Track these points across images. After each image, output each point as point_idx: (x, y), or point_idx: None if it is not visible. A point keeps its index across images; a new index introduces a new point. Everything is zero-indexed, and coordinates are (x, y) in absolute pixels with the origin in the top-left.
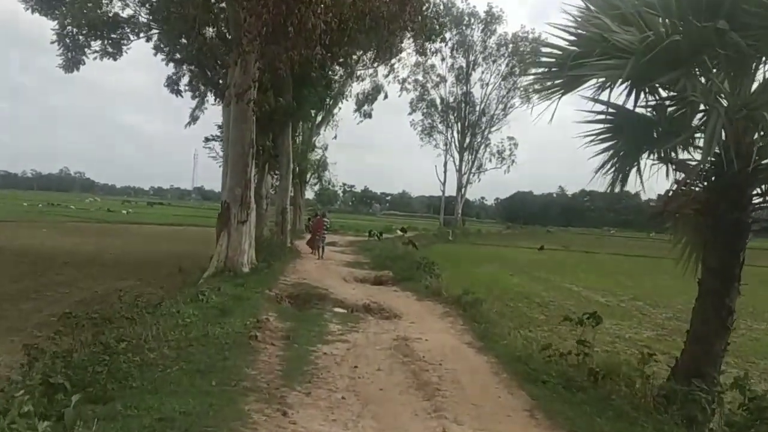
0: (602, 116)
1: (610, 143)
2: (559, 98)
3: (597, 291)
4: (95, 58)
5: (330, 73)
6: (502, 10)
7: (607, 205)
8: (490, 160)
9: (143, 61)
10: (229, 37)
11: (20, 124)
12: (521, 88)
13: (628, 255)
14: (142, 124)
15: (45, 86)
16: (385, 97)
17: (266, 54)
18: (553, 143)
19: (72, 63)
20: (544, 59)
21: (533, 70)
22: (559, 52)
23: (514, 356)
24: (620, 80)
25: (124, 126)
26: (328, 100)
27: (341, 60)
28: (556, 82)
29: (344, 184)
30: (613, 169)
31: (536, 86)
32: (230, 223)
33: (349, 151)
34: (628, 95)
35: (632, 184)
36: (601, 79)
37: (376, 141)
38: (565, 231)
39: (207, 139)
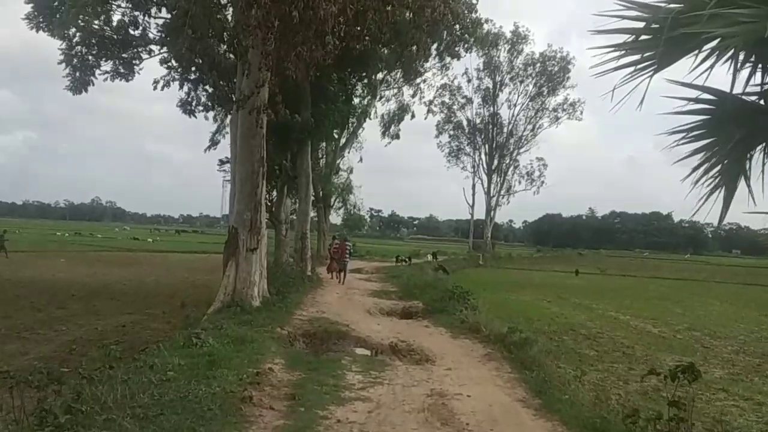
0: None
1: (707, 141)
2: (651, 77)
3: (646, 320)
4: (105, 79)
5: (350, 87)
6: (529, 30)
7: (639, 227)
8: (519, 182)
9: (173, 90)
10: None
11: (52, 154)
12: (550, 108)
13: (667, 278)
14: (172, 153)
15: (76, 117)
16: (412, 116)
17: (272, 53)
18: (582, 164)
19: (80, 84)
20: (627, 25)
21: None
22: (645, 16)
23: (585, 422)
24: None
25: (155, 155)
26: (351, 120)
27: (362, 73)
28: (646, 54)
29: (371, 209)
30: (711, 180)
31: (619, 61)
32: (238, 252)
33: (376, 175)
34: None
35: (665, 205)
36: (712, 46)
37: (403, 165)
38: (596, 253)
39: (222, 162)
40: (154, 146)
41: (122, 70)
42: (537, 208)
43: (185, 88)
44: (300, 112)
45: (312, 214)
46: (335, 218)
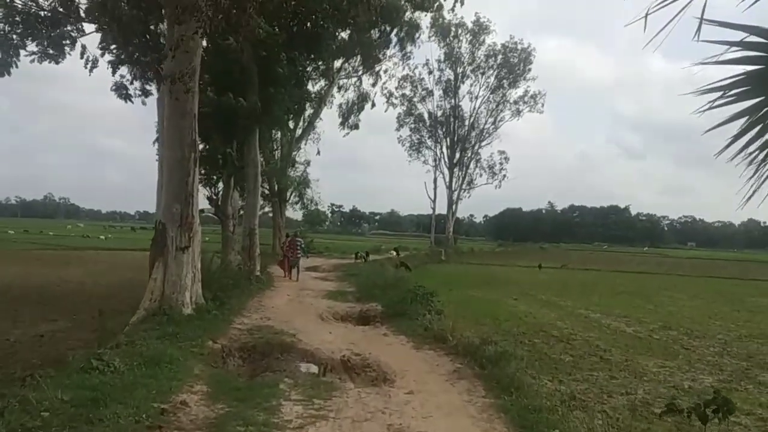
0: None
1: (753, 102)
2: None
3: (617, 318)
4: (32, 61)
5: (301, 70)
6: (491, 21)
7: (597, 220)
8: (481, 175)
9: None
10: None
11: (1, 149)
12: (511, 101)
13: (629, 272)
14: (126, 148)
15: (22, 112)
16: (372, 105)
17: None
18: (538, 158)
19: (2, 66)
20: None
21: None
22: None
23: None
24: None
25: (108, 150)
26: (306, 109)
27: (314, 55)
28: None
29: (332, 204)
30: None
31: None
32: (167, 251)
33: (337, 170)
34: None
35: (621, 198)
36: None
37: (364, 159)
38: (557, 247)
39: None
40: (107, 141)
41: (51, 51)
42: (498, 203)
43: (120, 71)
44: (246, 95)
45: (267, 209)
46: (294, 214)
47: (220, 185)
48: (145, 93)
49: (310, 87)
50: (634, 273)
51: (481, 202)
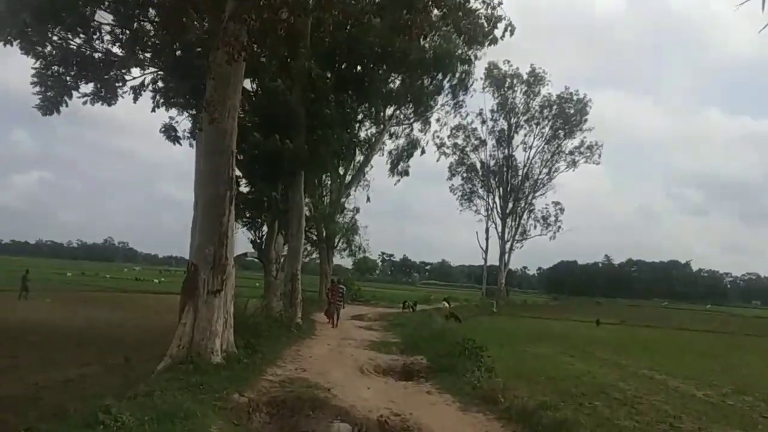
0: None
1: None
2: None
3: (685, 380)
4: (85, 102)
5: (350, 112)
6: (546, 71)
7: (656, 276)
8: (535, 227)
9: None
10: None
11: (66, 194)
12: (566, 151)
13: (693, 330)
14: (184, 195)
15: (88, 157)
16: (422, 152)
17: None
18: (594, 211)
19: (51, 104)
20: None
21: None
22: None
23: None
24: None
25: (167, 197)
26: (356, 154)
27: (363, 97)
28: None
29: (383, 253)
30: None
31: None
32: (198, 294)
33: (388, 219)
34: None
35: (681, 253)
36: None
37: (415, 209)
38: (614, 302)
39: None
40: (166, 187)
41: (104, 93)
42: (552, 255)
43: (170, 112)
44: (293, 138)
45: (315, 255)
46: (344, 261)
47: (264, 229)
48: (193, 135)
49: (360, 133)
50: (698, 332)
51: (535, 255)
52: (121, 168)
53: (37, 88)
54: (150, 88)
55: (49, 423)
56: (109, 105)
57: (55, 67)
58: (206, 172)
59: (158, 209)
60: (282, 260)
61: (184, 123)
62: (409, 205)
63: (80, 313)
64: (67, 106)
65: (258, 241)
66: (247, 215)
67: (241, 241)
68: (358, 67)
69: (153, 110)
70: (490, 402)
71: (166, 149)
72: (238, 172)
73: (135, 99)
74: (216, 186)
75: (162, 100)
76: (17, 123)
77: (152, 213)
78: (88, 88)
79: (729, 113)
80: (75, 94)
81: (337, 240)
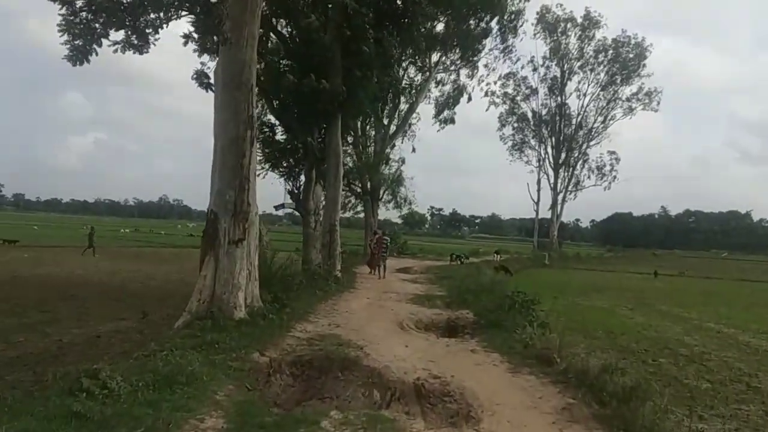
0: None
1: None
2: None
3: (756, 334)
4: (116, 51)
5: (390, 50)
6: (601, 15)
7: (715, 227)
8: (589, 177)
9: None
10: None
11: (121, 154)
12: (623, 98)
13: (757, 281)
14: None
15: (141, 118)
16: (469, 99)
17: None
18: (648, 162)
19: (81, 53)
20: None
21: None
22: None
23: None
24: None
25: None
26: (402, 104)
27: (405, 35)
28: None
29: (432, 207)
30: None
31: None
32: (218, 244)
33: (437, 173)
34: None
35: (745, 203)
36: None
37: (464, 163)
38: (671, 254)
39: None
40: None
41: (135, 41)
42: (604, 207)
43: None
44: (328, 78)
45: (360, 208)
46: (391, 215)
47: (302, 178)
48: None
49: (403, 78)
50: (762, 282)
51: (587, 207)
52: (173, 126)
53: (65, 37)
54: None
55: (36, 387)
56: (141, 53)
57: (83, 14)
58: (224, 110)
59: (207, 168)
60: (321, 211)
61: None
62: (458, 159)
63: (126, 268)
64: (96, 54)
65: (296, 191)
66: (284, 165)
67: (279, 192)
68: (398, 2)
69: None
70: (544, 362)
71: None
72: (273, 119)
73: (185, 43)
74: (236, 125)
75: (195, 47)
76: (71, 86)
77: (205, 171)
78: (118, 36)
79: None
80: (105, 42)
81: (382, 192)
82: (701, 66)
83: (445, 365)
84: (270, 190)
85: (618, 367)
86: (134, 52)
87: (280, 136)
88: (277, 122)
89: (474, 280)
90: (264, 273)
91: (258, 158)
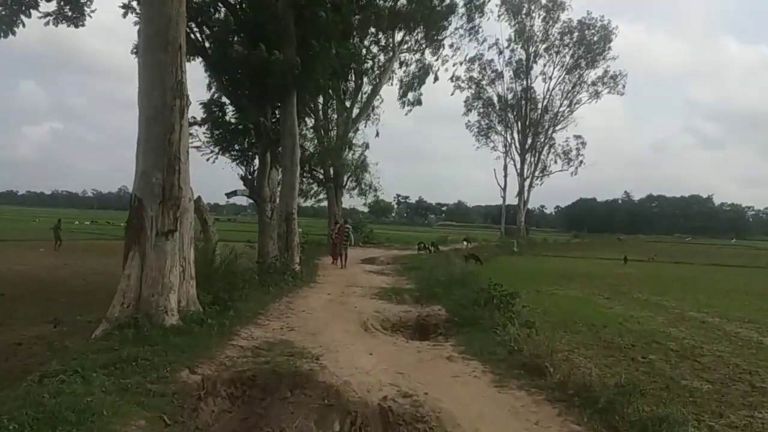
0: None
1: None
2: None
3: (742, 324)
4: (47, 23)
5: (348, 18)
6: None
7: (677, 211)
8: (555, 162)
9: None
10: None
11: (79, 145)
12: (588, 82)
13: (726, 265)
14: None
15: (97, 107)
16: (435, 79)
17: None
18: (610, 147)
19: (6, 25)
20: None
21: None
22: None
23: None
24: None
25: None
26: (365, 83)
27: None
28: None
29: (398, 195)
30: None
31: None
32: (144, 237)
33: (402, 162)
34: None
35: (705, 188)
36: None
37: (429, 151)
38: (635, 239)
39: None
40: None
41: (69, 12)
42: (568, 193)
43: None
44: (281, 49)
45: (322, 196)
46: (356, 203)
47: (256, 162)
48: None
49: (367, 58)
50: (732, 267)
51: (552, 193)
52: (134, 117)
53: None
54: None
55: None
56: (76, 26)
57: None
58: (148, 75)
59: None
60: (277, 198)
61: None
62: (423, 147)
63: (72, 262)
64: (24, 26)
65: (249, 177)
66: (236, 148)
67: (232, 177)
68: None
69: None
70: (534, 372)
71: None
72: (224, 99)
73: (124, 15)
74: (161, 93)
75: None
76: (25, 75)
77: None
78: (50, 6)
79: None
80: (35, 13)
81: (345, 178)
82: (658, 52)
83: (416, 378)
84: (225, 176)
85: (635, 385)
86: (68, 25)
87: (231, 116)
88: (228, 101)
89: (444, 271)
90: (203, 270)
91: (206, 140)
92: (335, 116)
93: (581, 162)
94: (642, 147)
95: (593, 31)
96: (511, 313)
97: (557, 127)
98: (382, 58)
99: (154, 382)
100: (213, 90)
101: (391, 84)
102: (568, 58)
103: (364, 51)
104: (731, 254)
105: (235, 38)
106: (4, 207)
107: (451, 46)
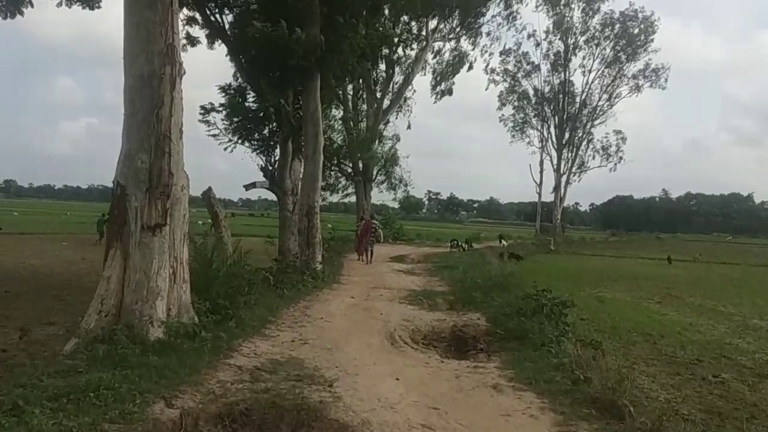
0: None
1: None
2: None
3: None
4: (60, 4)
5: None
6: None
7: (716, 209)
8: (594, 158)
9: (222, 76)
10: None
11: (114, 140)
12: (629, 75)
13: None
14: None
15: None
16: (470, 68)
17: None
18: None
19: (12, 5)
20: None
21: None
22: None
23: None
24: None
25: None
26: (397, 73)
27: None
28: None
29: (429, 192)
30: None
31: None
32: (127, 232)
33: (434, 159)
34: None
35: (744, 186)
36: None
37: (461, 148)
38: (674, 237)
39: (205, 110)
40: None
41: None
42: (602, 191)
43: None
44: (304, 27)
45: (351, 190)
46: (387, 198)
47: (277, 152)
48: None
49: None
50: None
51: (586, 190)
52: None
53: None
54: None
55: None
56: (91, 8)
57: None
58: (133, 36)
59: (203, 152)
60: (300, 190)
61: None
62: (453, 144)
63: (90, 257)
64: (32, 6)
65: (270, 168)
66: (256, 136)
67: (252, 168)
68: None
69: None
70: (608, 411)
71: (204, 92)
72: (240, 81)
73: None
74: (147, 58)
75: None
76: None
77: (198, 156)
78: None
79: None
80: None
81: (375, 172)
82: (693, 47)
83: (455, 417)
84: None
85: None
86: (83, 7)
87: (252, 102)
88: (249, 86)
89: (480, 271)
90: (202, 271)
91: (224, 127)
92: (365, 107)
93: (621, 158)
94: (678, 144)
95: (635, 23)
96: (565, 325)
97: (596, 122)
98: (415, 46)
99: (114, 420)
100: (238, 79)
101: (424, 73)
102: (608, 50)
103: (396, 39)
104: None
105: (255, 13)
106: (38, 200)
107: (488, 34)
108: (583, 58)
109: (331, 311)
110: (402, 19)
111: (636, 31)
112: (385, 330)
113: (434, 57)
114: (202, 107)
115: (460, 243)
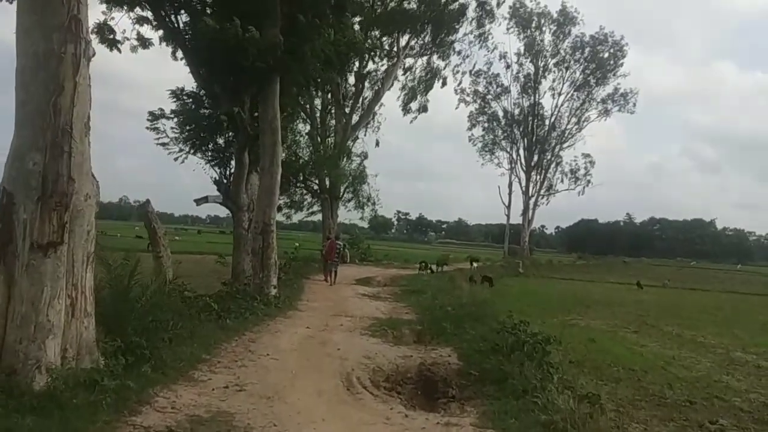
0: None
1: None
2: None
3: None
4: None
5: None
6: (578, 11)
7: (680, 235)
8: (562, 181)
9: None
10: None
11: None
12: (598, 99)
13: (745, 293)
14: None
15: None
16: (443, 84)
17: None
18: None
19: None
20: None
21: None
22: None
23: None
24: None
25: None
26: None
27: None
28: None
29: (398, 212)
30: None
31: None
32: (12, 252)
33: (403, 179)
34: None
35: (708, 211)
36: None
37: (430, 168)
38: (639, 262)
39: (154, 116)
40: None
41: None
42: (568, 214)
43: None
44: (262, 26)
45: (316, 208)
46: (352, 215)
47: (232, 163)
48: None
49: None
50: (751, 295)
51: (551, 214)
52: (132, 126)
53: None
54: None
55: None
56: None
57: None
58: (27, 7)
59: (173, 168)
60: (255, 206)
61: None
62: (423, 164)
63: None
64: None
65: (224, 181)
66: (210, 146)
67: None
68: None
69: None
70: None
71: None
72: (195, 87)
73: None
74: (45, 34)
75: None
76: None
77: (168, 172)
78: None
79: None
80: None
81: (342, 190)
82: (655, 74)
83: None
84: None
85: None
86: None
87: (206, 109)
88: (202, 90)
89: (450, 297)
90: (113, 302)
91: (175, 136)
92: (333, 122)
93: (589, 181)
94: (640, 169)
95: (605, 46)
96: (549, 365)
97: (564, 145)
98: (385, 61)
99: None
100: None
101: (391, 88)
102: (578, 73)
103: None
104: (742, 280)
105: (203, 6)
106: None
107: (459, 53)
108: (553, 80)
109: (281, 346)
110: (373, 34)
111: (606, 55)
112: (342, 370)
113: (404, 73)
114: (151, 113)
115: (429, 265)
